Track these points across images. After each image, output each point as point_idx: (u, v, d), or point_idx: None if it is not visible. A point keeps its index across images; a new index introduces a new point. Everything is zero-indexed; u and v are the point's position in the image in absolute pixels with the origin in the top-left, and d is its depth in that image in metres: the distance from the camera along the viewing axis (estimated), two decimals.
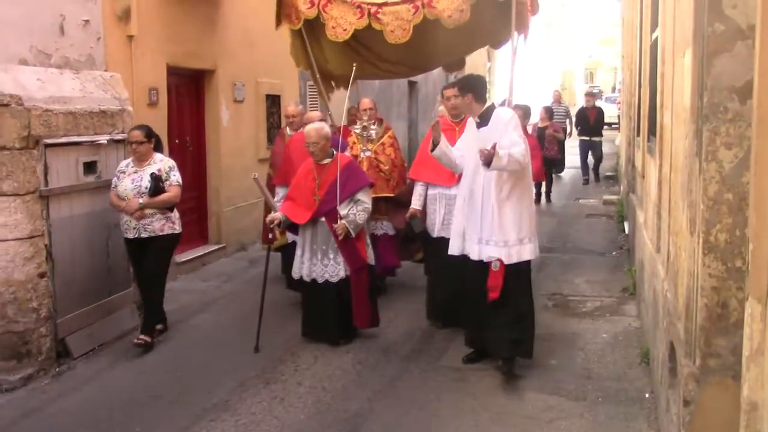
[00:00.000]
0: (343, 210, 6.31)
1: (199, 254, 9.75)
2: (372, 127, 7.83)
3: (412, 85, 19.20)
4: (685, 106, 3.91)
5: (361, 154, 7.77)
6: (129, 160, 6.65)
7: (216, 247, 10.14)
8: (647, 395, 5.26)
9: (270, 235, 6.63)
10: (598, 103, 18.82)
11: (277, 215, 6.44)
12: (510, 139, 5.41)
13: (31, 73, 6.29)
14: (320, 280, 6.42)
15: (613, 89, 47.10)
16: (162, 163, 6.61)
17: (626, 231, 10.90)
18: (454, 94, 6.47)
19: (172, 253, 6.91)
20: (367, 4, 7.35)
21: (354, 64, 7.20)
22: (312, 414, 5.15)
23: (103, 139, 6.81)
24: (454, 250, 5.86)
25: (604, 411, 5.05)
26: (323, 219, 6.36)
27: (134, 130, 6.59)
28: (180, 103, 9.65)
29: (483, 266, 5.58)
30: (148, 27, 8.44)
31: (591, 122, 17.27)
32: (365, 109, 7.91)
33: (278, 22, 7.79)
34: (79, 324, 6.47)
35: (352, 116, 8.94)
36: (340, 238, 6.28)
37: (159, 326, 6.80)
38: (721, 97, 3.38)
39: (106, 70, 7.45)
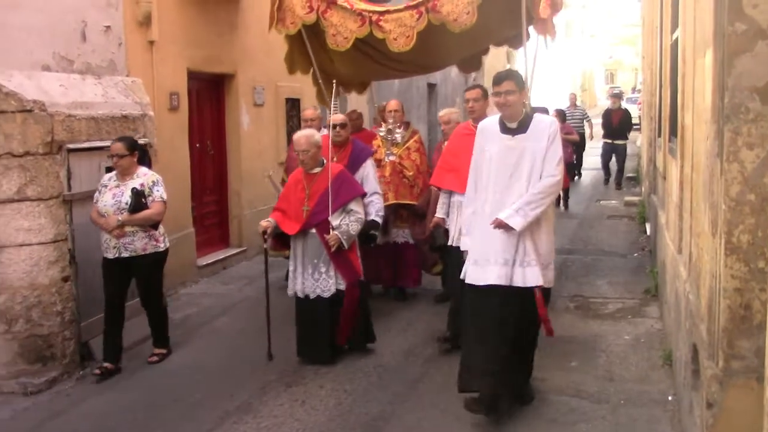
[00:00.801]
0: (335, 221, 6.01)
1: (220, 257, 9.81)
2: (397, 130, 7.64)
3: (431, 87, 19.18)
4: (706, 107, 3.88)
5: (385, 158, 7.62)
6: (113, 173, 6.21)
7: (237, 250, 10.19)
8: (670, 398, 5.22)
9: (264, 245, 6.29)
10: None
11: (268, 223, 6.14)
12: (546, 170, 4.83)
13: (53, 79, 6.36)
14: (312, 296, 6.07)
15: (633, 90, 46.85)
16: (146, 177, 6.18)
17: (648, 232, 10.83)
18: (475, 97, 6.32)
19: (160, 272, 6.38)
20: (368, 12, 7.07)
21: (353, 70, 6.96)
22: (333, 416, 5.16)
23: None
24: (477, 279, 4.90)
25: (627, 413, 5.03)
26: (314, 231, 6.05)
27: (115, 142, 6.14)
28: (201, 108, 9.72)
29: (510, 293, 4.81)
30: (169, 32, 8.51)
31: (614, 124, 16.72)
32: (391, 111, 7.74)
33: (271, 25, 7.49)
34: (103, 328, 6.51)
35: (382, 116, 8.92)
36: (333, 250, 5.97)
37: (162, 350, 6.46)
38: (743, 98, 3.36)
39: (127, 76, 7.52)
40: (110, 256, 6.07)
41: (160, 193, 6.17)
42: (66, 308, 6.12)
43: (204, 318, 7.62)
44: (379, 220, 6.81)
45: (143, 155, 6.35)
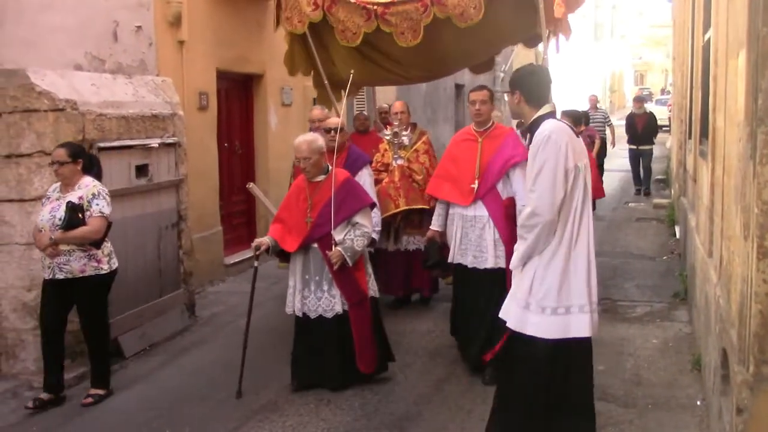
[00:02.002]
0: (338, 235, 5.46)
1: (247, 256, 9.83)
2: (404, 132, 7.29)
3: (458, 87, 19.16)
4: (739, 109, 3.84)
5: (393, 162, 7.33)
6: (59, 184, 5.58)
7: None
8: (699, 402, 5.17)
9: (255, 262, 5.68)
10: (648, 105, 17.72)
11: (264, 240, 5.61)
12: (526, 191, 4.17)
13: (85, 78, 6.43)
14: (313, 315, 5.54)
15: (663, 91, 46.46)
16: (86, 189, 5.45)
17: (677, 235, 10.73)
18: (482, 99, 5.78)
19: (103, 298, 5.67)
20: (373, 4, 6.85)
21: (352, 71, 6.44)
22: (358, 416, 5.17)
23: (154, 142, 6.93)
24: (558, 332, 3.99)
25: (655, 418, 4.98)
26: (316, 245, 5.51)
27: (58, 147, 5.51)
28: (229, 107, 9.78)
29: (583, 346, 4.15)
30: (199, 32, 8.58)
31: (639, 130, 15.77)
32: (396, 113, 7.39)
33: (276, 25, 7.36)
34: (132, 324, 6.59)
35: (383, 119, 8.79)
36: (336, 267, 5.40)
37: (100, 391, 5.65)
38: None
39: (157, 75, 7.59)
40: (46, 276, 5.47)
41: (100, 207, 5.43)
42: None
43: (230, 316, 7.66)
44: (376, 235, 6.42)
45: (90, 164, 5.63)
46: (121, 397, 5.71)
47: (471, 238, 5.69)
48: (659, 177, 17.95)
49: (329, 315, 5.50)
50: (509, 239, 5.29)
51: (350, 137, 7.78)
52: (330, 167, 5.64)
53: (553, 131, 3.90)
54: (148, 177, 6.88)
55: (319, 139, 5.62)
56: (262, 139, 10.34)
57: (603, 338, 6.56)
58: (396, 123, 7.31)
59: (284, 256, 5.85)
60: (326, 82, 7.73)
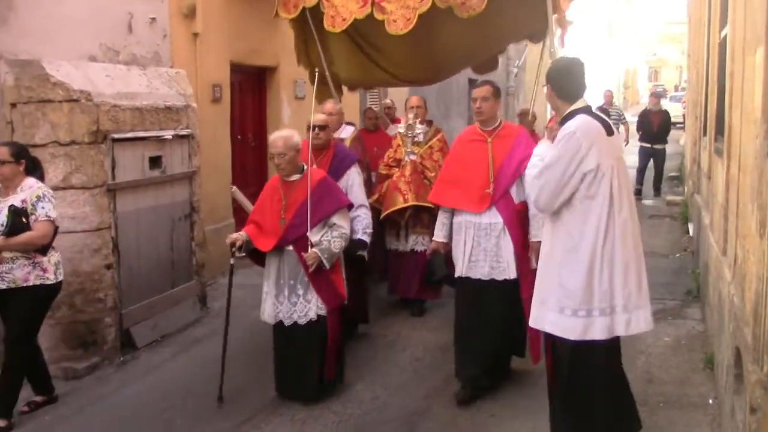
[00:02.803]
0: (314, 236, 5.16)
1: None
2: (418, 127, 7.03)
3: (472, 83, 19.07)
4: (756, 106, 3.81)
5: (405, 158, 7.04)
6: None
7: None
8: (711, 401, 5.15)
9: (231, 260, 5.40)
10: (661, 102, 17.17)
11: (238, 236, 5.29)
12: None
13: (100, 69, 6.44)
14: (287, 322, 5.23)
15: (676, 88, 46.22)
16: (30, 191, 5.03)
17: (690, 233, 10.67)
18: (483, 96, 5.31)
19: (42, 311, 5.20)
20: None
21: (354, 74, 6.54)
22: (369, 410, 5.17)
23: (168, 134, 6.94)
24: (609, 332, 3.92)
25: (666, 416, 4.96)
26: (291, 248, 5.20)
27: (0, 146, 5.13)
28: (243, 100, 9.79)
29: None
30: (213, 25, 8.58)
31: (654, 128, 15.07)
32: (412, 107, 7.14)
33: (276, 12, 7.07)
34: (143, 315, 6.61)
35: (389, 115, 8.54)
36: (311, 269, 5.11)
37: (38, 398, 5.35)
38: None
39: (171, 67, 7.60)
40: None
41: (45, 210, 5.01)
42: (108, 295, 6.21)
43: (242, 308, 7.63)
44: (367, 238, 6.02)
45: (33, 167, 5.22)
46: (133, 387, 5.74)
47: (486, 248, 5.23)
48: (673, 174, 17.86)
49: (303, 321, 5.19)
50: (522, 247, 5.15)
51: (359, 134, 7.71)
52: (305, 166, 5.32)
53: (579, 128, 3.80)
54: (161, 169, 6.89)
55: (295, 135, 5.31)
56: (275, 131, 10.33)
57: None
58: (411, 116, 7.06)
59: (257, 260, 5.51)
60: (327, 72, 7.48)
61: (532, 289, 4.22)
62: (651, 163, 15.45)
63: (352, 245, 5.72)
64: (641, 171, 15.37)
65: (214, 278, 8.51)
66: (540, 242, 4.49)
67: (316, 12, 6.86)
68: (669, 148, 16.54)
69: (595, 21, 36.09)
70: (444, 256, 5.50)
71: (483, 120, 5.39)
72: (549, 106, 6.19)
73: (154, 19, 7.32)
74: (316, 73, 6.62)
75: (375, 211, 6.77)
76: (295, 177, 5.29)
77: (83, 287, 6.03)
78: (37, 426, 5.13)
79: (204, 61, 8.46)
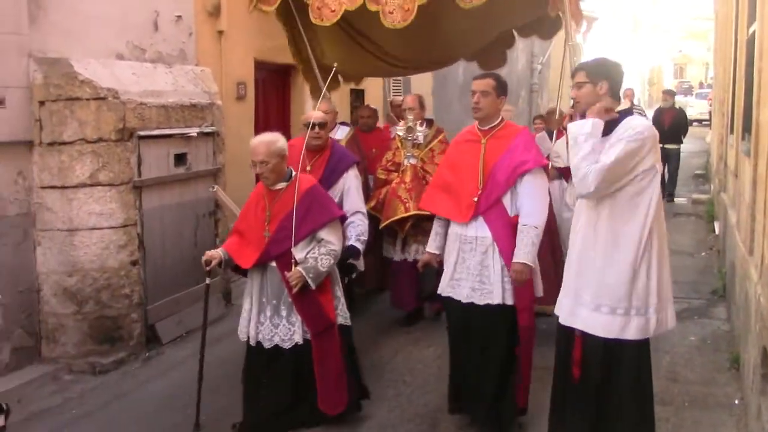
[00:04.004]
0: (300, 253, 4.64)
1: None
2: (419, 128, 6.47)
3: None
4: None
5: (405, 162, 6.52)
6: None
7: None
8: (736, 401, 5.11)
9: (207, 279, 4.92)
10: (687, 99, 16.60)
11: (215, 253, 4.82)
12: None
13: (126, 67, 6.51)
14: (268, 345, 4.74)
15: (701, 85, 45.82)
16: None
17: (716, 231, 10.58)
18: (482, 89, 4.59)
19: None
20: None
21: (335, 64, 5.96)
22: (392, 407, 5.18)
23: (193, 131, 6.98)
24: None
25: (691, 416, 4.93)
26: (274, 264, 4.73)
27: None
28: (267, 97, 9.83)
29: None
30: (237, 22, 8.62)
31: (665, 126, 13.91)
32: (408, 108, 6.58)
33: (256, 4, 6.67)
34: (168, 311, 6.68)
35: (397, 113, 8.09)
36: (295, 290, 4.60)
37: None
38: None
39: (196, 65, 7.65)
40: None
41: None
42: (134, 291, 6.27)
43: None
44: (360, 246, 5.53)
45: None
46: (158, 383, 5.79)
47: (469, 265, 4.57)
48: (698, 172, 17.70)
49: (287, 345, 4.70)
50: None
51: (355, 135, 7.43)
52: (293, 173, 4.77)
53: (647, 129, 3.72)
54: (186, 166, 6.94)
55: (279, 140, 4.71)
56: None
57: None
58: (410, 118, 6.51)
59: (242, 272, 4.99)
60: (315, 67, 7.05)
61: (530, 320, 4.24)
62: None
63: (344, 252, 5.25)
64: None
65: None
66: (524, 264, 4.32)
67: (302, 3, 6.46)
68: (693, 146, 16.21)
69: (620, 17, 35.85)
70: (437, 270, 4.94)
71: (480, 117, 4.68)
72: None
73: (179, 17, 7.37)
74: (314, 65, 6.44)
75: (373, 219, 6.41)
76: (281, 185, 4.74)
77: (109, 283, 6.10)
78: (64, 420, 5.19)
79: (229, 59, 8.51)
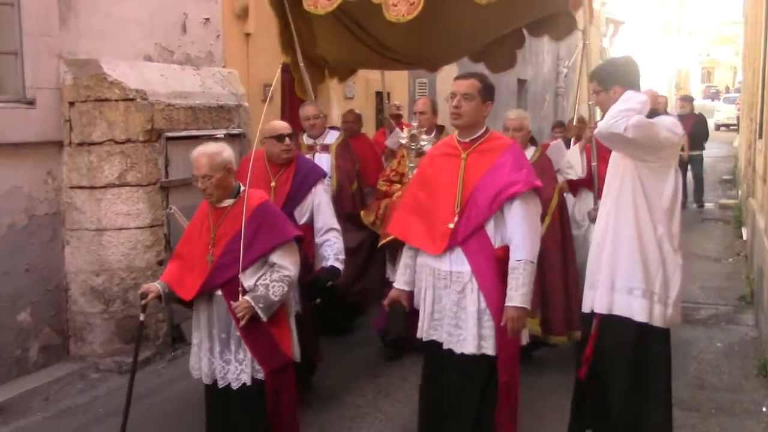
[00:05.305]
0: (248, 280, 3.97)
1: None
2: (424, 136, 5.81)
3: (521, 83, 18.98)
4: None
5: (409, 173, 5.77)
6: None
7: None
8: (764, 408, 5.06)
9: (141, 315, 4.31)
10: (715, 103, 16.27)
11: (152, 286, 4.14)
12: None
13: (155, 69, 6.57)
14: (222, 384, 4.10)
15: (727, 89, 45.39)
16: None
17: (744, 237, 10.47)
18: (464, 92, 3.83)
19: None
20: None
21: (341, 55, 5.73)
22: (416, 410, 5.15)
23: (220, 133, 7.02)
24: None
25: (718, 423, 4.88)
26: (220, 292, 4.05)
27: None
28: (293, 100, 9.84)
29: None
30: (265, 25, 8.64)
31: (686, 134, 13.99)
32: (416, 113, 6.03)
33: None
34: None
35: (396, 118, 7.66)
36: (242, 322, 3.91)
37: None
38: None
39: (224, 67, 7.70)
40: None
41: None
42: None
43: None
44: (340, 265, 4.98)
45: None
46: (184, 382, 5.80)
47: (446, 305, 3.83)
48: (726, 177, 17.53)
49: (235, 385, 4.05)
50: (501, 309, 3.68)
51: (346, 139, 6.77)
52: (242, 188, 4.13)
53: (674, 124, 3.69)
54: None
55: (225, 151, 4.08)
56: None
57: None
58: (414, 124, 5.89)
59: (188, 305, 4.23)
60: (301, 63, 6.72)
61: (512, 373, 3.74)
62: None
63: (324, 274, 4.88)
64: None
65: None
66: (521, 308, 3.64)
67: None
68: (721, 151, 16.02)
69: (648, 21, 35.60)
70: (405, 309, 4.14)
71: (460, 126, 3.89)
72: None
73: (207, 19, 7.43)
74: (301, 64, 6.10)
75: (373, 235, 6.05)
76: (228, 202, 4.09)
77: (136, 283, 6.14)
78: (91, 418, 5.25)
79: (256, 61, 8.56)
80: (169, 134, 6.37)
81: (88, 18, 6.15)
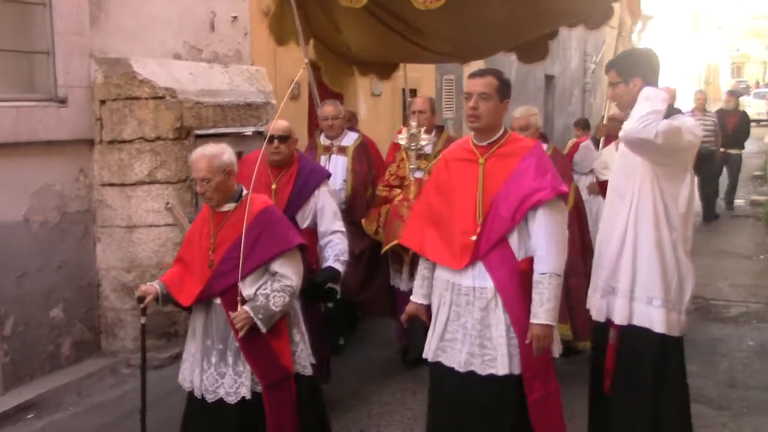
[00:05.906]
0: (248, 288, 3.80)
1: None
2: (424, 136, 5.55)
3: (548, 79, 18.87)
4: None
5: (410, 176, 5.58)
6: None
7: None
8: None
9: (141, 318, 4.15)
10: (744, 98, 15.72)
11: (150, 287, 3.95)
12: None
13: (183, 67, 6.63)
14: (210, 398, 3.86)
15: (757, 84, 44.81)
16: None
17: None
18: (481, 91, 3.55)
19: None
20: None
21: (367, 43, 5.45)
22: None
23: (248, 130, 7.07)
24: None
25: (750, 422, 4.84)
26: (219, 301, 3.86)
27: None
28: (320, 97, 9.87)
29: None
30: None
31: (729, 130, 12.58)
32: (415, 112, 5.69)
33: None
34: None
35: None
36: (241, 333, 3.74)
37: None
38: None
39: (252, 65, 7.75)
40: None
41: None
42: None
43: None
44: (340, 267, 4.68)
45: None
46: None
47: (466, 323, 3.58)
48: (756, 173, 17.33)
49: (231, 399, 3.83)
50: (525, 325, 3.49)
51: (364, 141, 6.45)
52: (244, 191, 3.95)
53: (695, 127, 3.60)
54: None
55: (225, 153, 3.87)
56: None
57: (695, 338, 6.39)
58: (413, 124, 5.60)
59: (187, 309, 4.06)
60: (304, 51, 6.42)
61: (545, 388, 3.54)
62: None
63: (323, 276, 4.61)
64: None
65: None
66: (546, 326, 3.44)
67: None
68: (752, 147, 15.74)
69: (678, 15, 35.24)
70: (426, 325, 3.82)
71: (478, 128, 3.64)
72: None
73: (235, 17, 7.48)
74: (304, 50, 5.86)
75: (377, 242, 5.79)
76: (229, 206, 3.91)
77: None
78: (122, 413, 5.31)
79: (282, 59, 8.59)
80: (198, 132, 6.41)
81: (118, 17, 6.21)
